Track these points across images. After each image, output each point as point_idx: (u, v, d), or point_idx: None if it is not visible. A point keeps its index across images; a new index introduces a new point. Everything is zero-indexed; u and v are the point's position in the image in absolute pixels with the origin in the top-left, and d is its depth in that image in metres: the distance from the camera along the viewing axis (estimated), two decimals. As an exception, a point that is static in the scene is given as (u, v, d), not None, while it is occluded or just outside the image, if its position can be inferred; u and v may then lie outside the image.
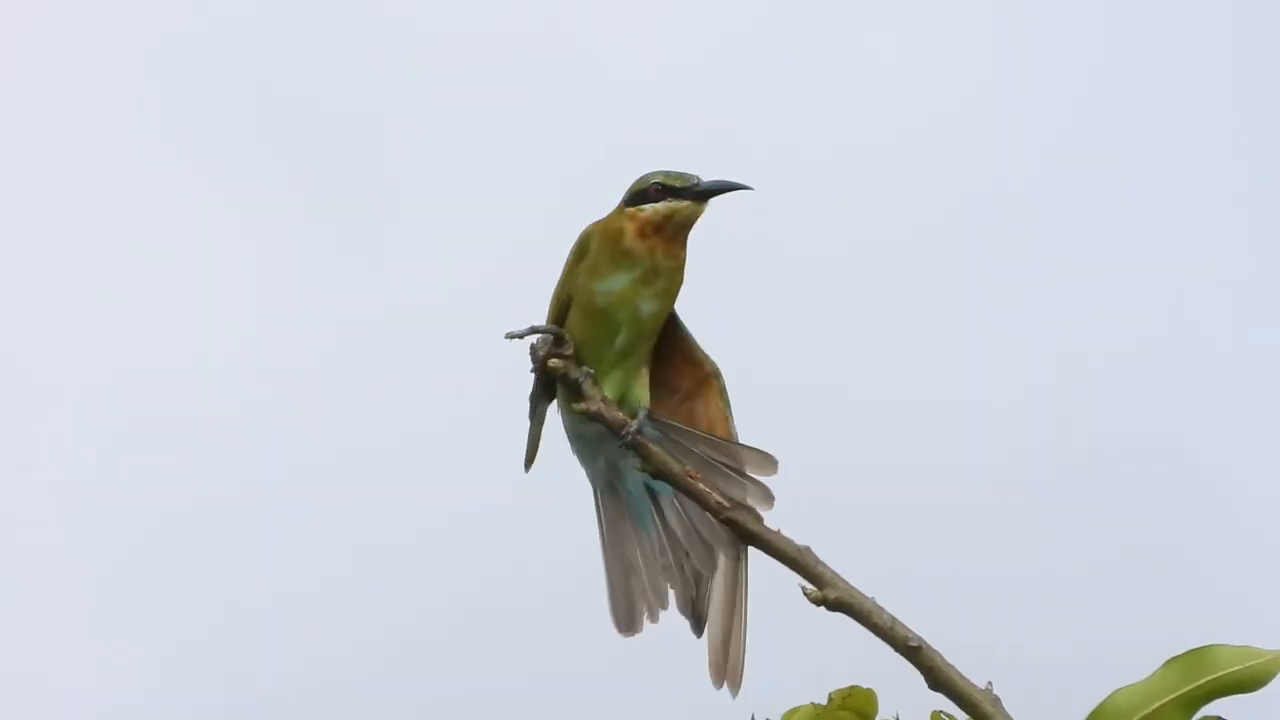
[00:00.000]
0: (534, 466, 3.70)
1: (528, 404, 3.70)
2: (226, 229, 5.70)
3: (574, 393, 3.54)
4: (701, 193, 3.57)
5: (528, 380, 3.62)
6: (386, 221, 5.63)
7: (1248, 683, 3.05)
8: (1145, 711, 3.05)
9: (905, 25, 5.97)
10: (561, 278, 3.65)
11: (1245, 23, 5.88)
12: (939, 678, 3.17)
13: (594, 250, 3.61)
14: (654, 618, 3.67)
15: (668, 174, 3.60)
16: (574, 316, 3.59)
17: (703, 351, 3.72)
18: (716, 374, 3.71)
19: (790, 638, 3.61)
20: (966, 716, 3.18)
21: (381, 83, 5.80)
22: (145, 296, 5.70)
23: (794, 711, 3.18)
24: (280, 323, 5.64)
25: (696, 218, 3.59)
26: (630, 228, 3.59)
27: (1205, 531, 5.36)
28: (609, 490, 3.72)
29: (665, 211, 3.58)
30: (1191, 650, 3.07)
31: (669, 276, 3.60)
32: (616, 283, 3.59)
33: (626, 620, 3.67)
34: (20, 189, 5.75)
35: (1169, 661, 3.07)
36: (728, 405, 3.70)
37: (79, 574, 5.53)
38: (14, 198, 5.75)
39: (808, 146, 5.75)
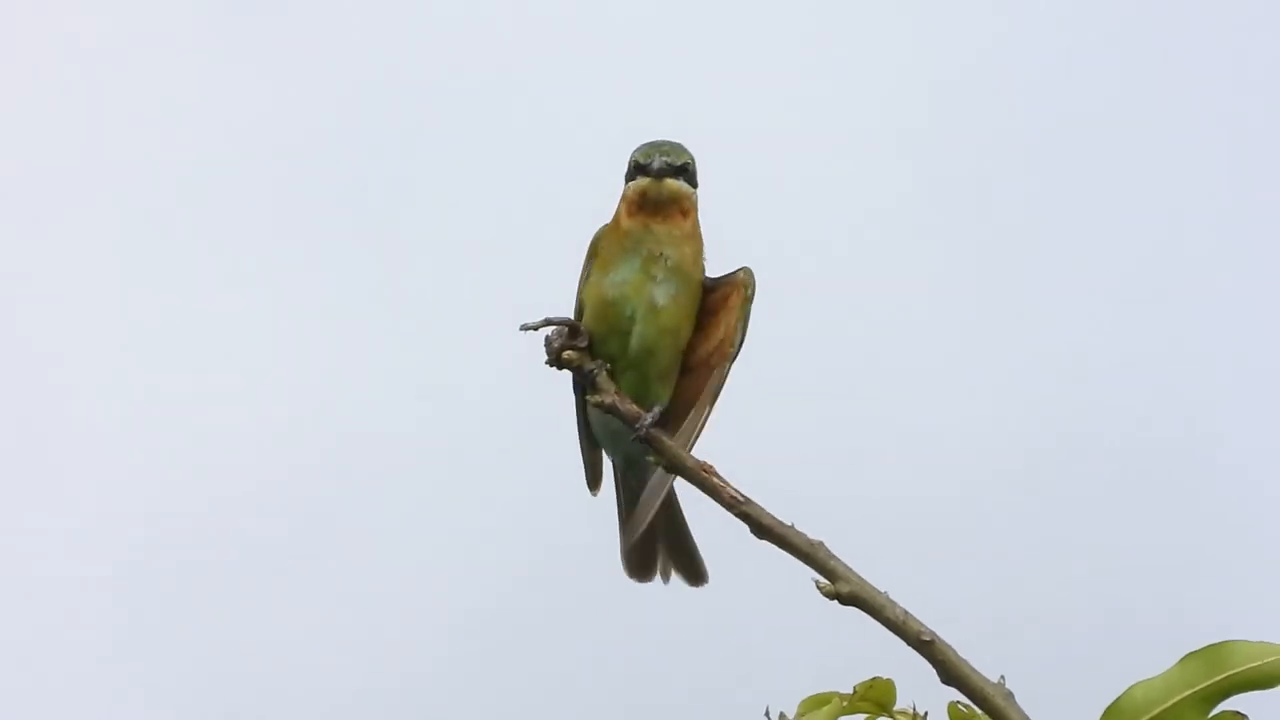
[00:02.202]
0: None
1: (577, 430, 3.72)
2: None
3: (589, 386, 3.53)
4: (658, 171, 3.55)
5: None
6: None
7: (1266, 679, 3.03)
8: (1163, 707, 3.03)
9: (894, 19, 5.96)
10: (578, 283, 3.65)
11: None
12: (952, 672, 3.15)
13: (602, 246, 3.61)
14: (666, 577, 3.73)
15: (643, 150, 3.60)
16: (588, 316, 3.58)
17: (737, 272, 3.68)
18: (747, 283, 3.65)
19: (803, 631, 3.60)
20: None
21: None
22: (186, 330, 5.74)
23: (815, 700, 3.18)
24: (324, 357, 5.67)
25: (670, 195, 3.57)
26: (623, 207, 3.61)
27: (1223, 526, 5.33)
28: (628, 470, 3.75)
29: (638, 189, 3.59)
30: (1210, 645, 3.04)
31: (676, 248, 3.57)
32: (629, 271, 3.57)
33: (640, 571, 3.73)
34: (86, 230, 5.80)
35: (1187, 656, 3.05)
36: (742, 320, 3.65)
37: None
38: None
39: (804, 140, 5.75)
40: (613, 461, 3.77)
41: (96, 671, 5.52)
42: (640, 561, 3.72)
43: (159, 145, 5.81)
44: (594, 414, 3.66)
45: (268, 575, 5.53)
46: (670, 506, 3.71)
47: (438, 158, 5.75)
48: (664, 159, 3.56)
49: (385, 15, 5.91)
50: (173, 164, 5.80)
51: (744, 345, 3.66)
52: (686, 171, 3.59)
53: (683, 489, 3.66)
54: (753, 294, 3.63)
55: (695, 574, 3.73)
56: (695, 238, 3.61)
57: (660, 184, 3.56)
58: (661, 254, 3.57)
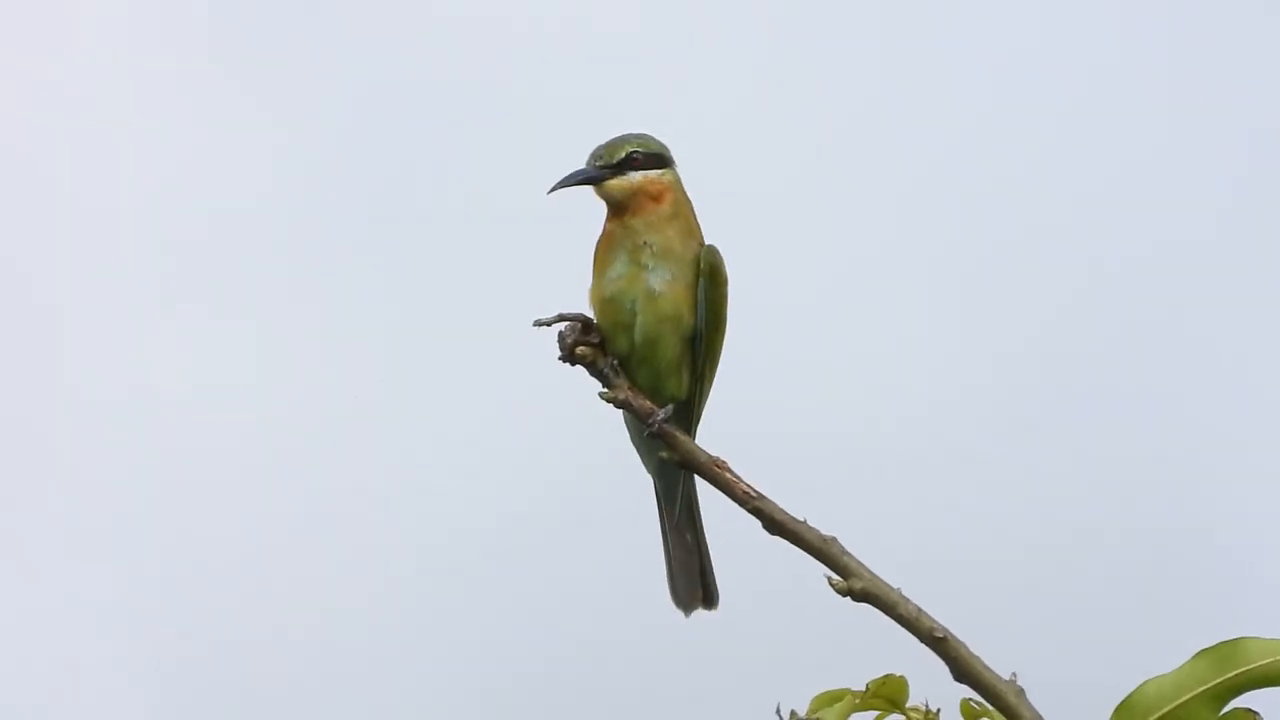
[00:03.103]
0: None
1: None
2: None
3: (602, 382, 3.54)
4: (589, 178, 3.58)
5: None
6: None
7: (1278, 676, 3.02)
8: (1175, 704, 3.03)
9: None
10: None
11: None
12: (964, 668, 3.15)
13: (596, 252, 3.63)
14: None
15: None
16: (596, 318, 3.57)
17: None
18: (700, 258, 3.59)
19: (815, 627, 3.60)
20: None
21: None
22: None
23: (828, 697, 3.18)
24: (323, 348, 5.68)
25: (620, 193, 3.57)
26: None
27: (1237, 520, 5.33)
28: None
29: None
30: (1222, 642, 3.04)
31: (659, 233, 3.55)
32: (621, 266, 3.56)
33: (686, 600, 3.69)
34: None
35: (1199, 653, 3.05)
36: (702, 298, 3.60)
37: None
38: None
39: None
40: (654, 487, 3.74)
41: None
42: (687, 591, 3.70)
43: (158, 201, 5.83)
44: (630, 429, 3.66)
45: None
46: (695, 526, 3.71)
47: (443, 157, 5.76)
48: (596, 163, 3.60)
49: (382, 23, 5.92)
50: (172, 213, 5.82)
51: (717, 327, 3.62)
52: (633, 162, 3.59)
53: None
54: (709, 271, 3.58)
55: (708, 598, 3.71)
56: (678, 217, 3.60)
57: (602, 188, 3.59)
58: (645, 242, 3.56)
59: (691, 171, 3.74)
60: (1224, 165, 5.89)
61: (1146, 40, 5.99)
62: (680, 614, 3.69)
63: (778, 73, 5.90)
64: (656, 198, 3.59)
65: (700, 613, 3.68)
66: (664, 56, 5.88)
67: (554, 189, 3.59)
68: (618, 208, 3.59)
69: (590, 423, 3.68)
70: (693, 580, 3.68)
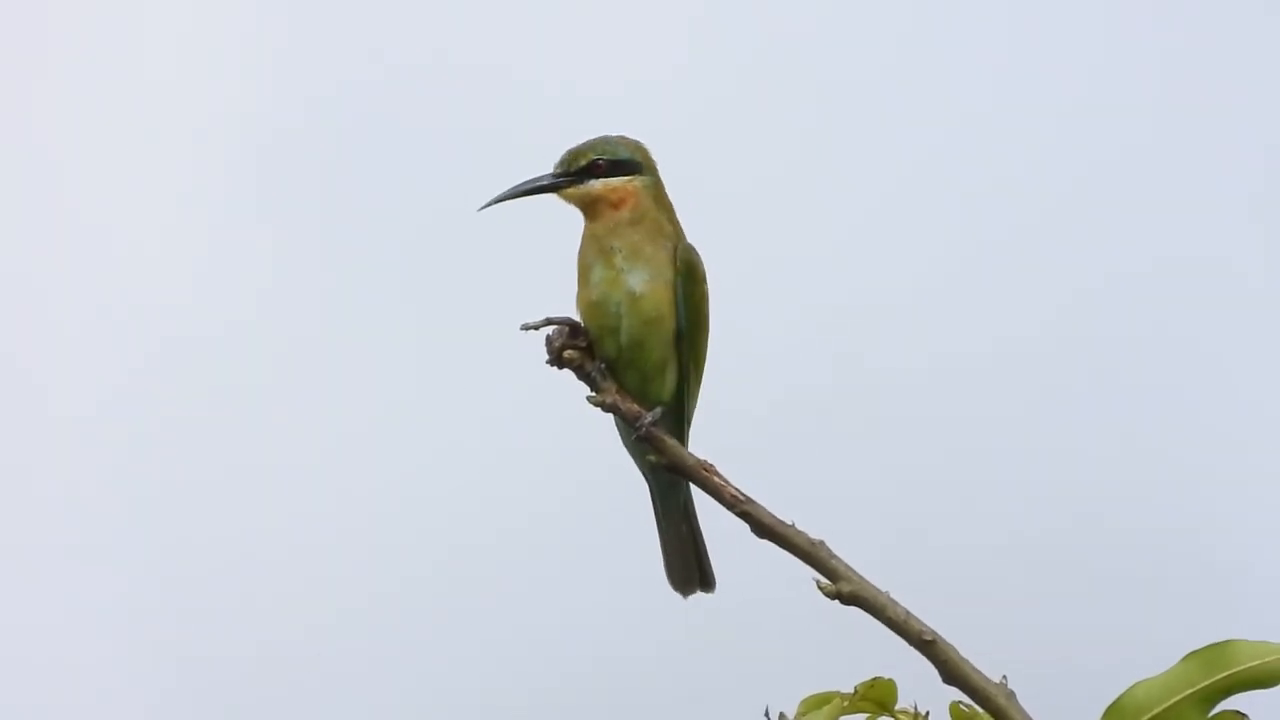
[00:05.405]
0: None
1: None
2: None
3: (590, 385, 3.54)
4: (545, 187, 3.63)
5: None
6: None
7: (1266, 678, 3.04)
8: (1164, 705, 3.04)
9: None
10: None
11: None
12: (953, 671, 3.16)
13: (579, 258, 3.63)
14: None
15: None
16: (584, 320, 3.58)
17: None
18: (676, 258, 3.59)
19: (803, 630, 3.60)
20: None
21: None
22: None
23: (816, 699, 3.18)
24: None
25: (578, 201, 3.61)
26: None
27: (1225, 522, 5.33)
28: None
29: None
30: (1210, 645, 3.05)
31: (624, 238, 3.56)
32: (601, 270, 3.57)
33: (683, 582, 3.70)
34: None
35: (1188, 656, 3.06)
36: (680, 298, 3.60)
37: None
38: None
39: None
40: (647, 484, 3.75)
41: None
42: (683, 575, 3.71)
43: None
44: (621, 431, 3.66)
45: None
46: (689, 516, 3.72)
47: (433, 162, 5.77)
48: (558, 169, 3.62)
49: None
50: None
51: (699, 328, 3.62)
52: (595, 169, 3.61)
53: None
54: (685, 269, 3.58)
55: (705, 580, 3.72)
56: (643, 220, 3.59)
57: (562, 196, 3.61)
58: (612, 246, 3.57)
59: (689, 172, 3.74)
60: (1224, 165, 5.89)
61: (1146, 40, 5.98)
62: (678, 596, 3.70)
63: (778, 71, 5.90)
64: (617, 205, 3.60)
65: (698, 596, 3.70)
66: (663, 56, 5.88)
67: (499, 199, 3.60)
68: (586, 213, 3.61)
69: (585, 422, 3.68)
70: (689, 563, 3.70)
